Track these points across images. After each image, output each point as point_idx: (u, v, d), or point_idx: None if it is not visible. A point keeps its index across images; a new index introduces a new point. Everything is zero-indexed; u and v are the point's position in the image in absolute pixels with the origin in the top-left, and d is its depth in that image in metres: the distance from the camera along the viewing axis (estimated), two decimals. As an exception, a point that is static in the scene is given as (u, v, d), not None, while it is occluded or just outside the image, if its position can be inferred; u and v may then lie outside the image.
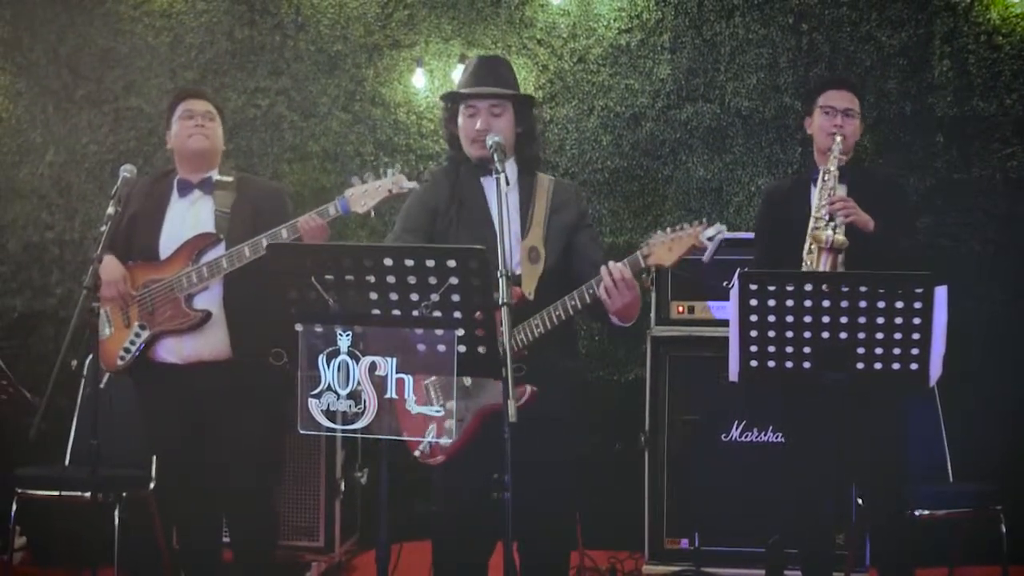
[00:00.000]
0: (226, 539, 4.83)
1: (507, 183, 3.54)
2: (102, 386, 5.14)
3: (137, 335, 4.55)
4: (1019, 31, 5.98)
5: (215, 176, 4.71)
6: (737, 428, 5.39)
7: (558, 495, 3.79)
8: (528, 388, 3.65)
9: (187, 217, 4.64)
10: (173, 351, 4.55)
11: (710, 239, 3.62)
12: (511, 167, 3.96)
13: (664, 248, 3.65)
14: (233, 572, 4.74)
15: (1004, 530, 4.95)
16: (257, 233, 4.45)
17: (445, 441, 3.64)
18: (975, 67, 6.01)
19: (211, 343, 4.53)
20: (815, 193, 4.50)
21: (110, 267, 4.54)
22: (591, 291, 3.67)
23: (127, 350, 4.56)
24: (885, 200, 4.55)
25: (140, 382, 4.70)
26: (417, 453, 3.79)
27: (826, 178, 4.46)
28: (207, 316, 4.50)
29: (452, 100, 4.01)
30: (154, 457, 5.10)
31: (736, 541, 5.34)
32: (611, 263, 3.63)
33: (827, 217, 4.38)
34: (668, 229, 3.69)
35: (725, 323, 4.13)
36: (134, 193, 4.73)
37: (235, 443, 4.50)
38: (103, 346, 4.60)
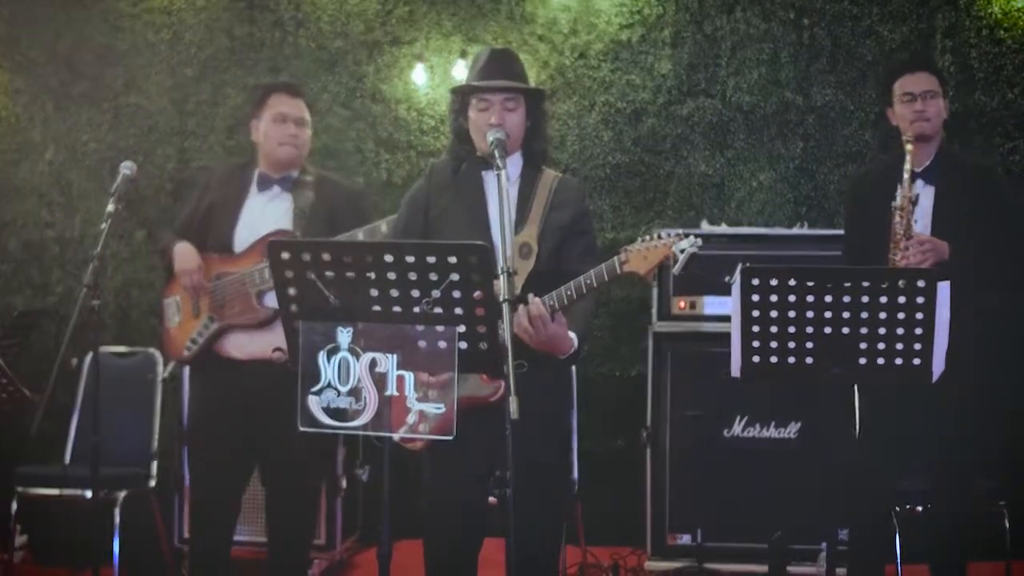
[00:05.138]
0: (242, 537, 4.82)
1: (507, 179, 3.53)
2: (165, 376, 5.16)
3: (206, 326, 4.53)
4: (1021, 25, 5.97)
5: (296, 175, 4.68)
6: (739, 424, 5.38)
7: (542, 493, 3.77)
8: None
9: (265, 212, 4.61)
10: (239, 346, 4.52)
11: (682, 251, 3.61)
12: (516, 161, 3.93)
13: (640, 257, 3.63)
14: (241, 571, 4.74)
15: (1007, 526, 4.94)
16: (332, 234, 4.39)
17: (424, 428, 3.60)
18: (977, 61, 6.00)
19: (277, 342, 4.49)
20: (900, 194, 4.39)
21: (187, 255, 4.54)
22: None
23: (194, 341, 4.54)
24: (978, 203, 4.45)
25: (198, 373, 4.69)
26: (397, 437, 3.77)
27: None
28: (276, 315, 4.44)
29: (464, 93, 3.97)
30: (184, 449, 5.10)
31: (739, 537, 5.32)
32: (533, 299, 3.60)
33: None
34: (648, 237, 3.67)
35: (727, 318, 4.12)
36: (213, 182, 4.74)
37: (288, 443, 4.31)
38: (169, 334, 4.60)
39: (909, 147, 4.39)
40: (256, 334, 4.49)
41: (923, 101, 4.48)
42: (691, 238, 3.63)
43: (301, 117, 4.67)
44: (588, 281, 3.63)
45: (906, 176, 4.35)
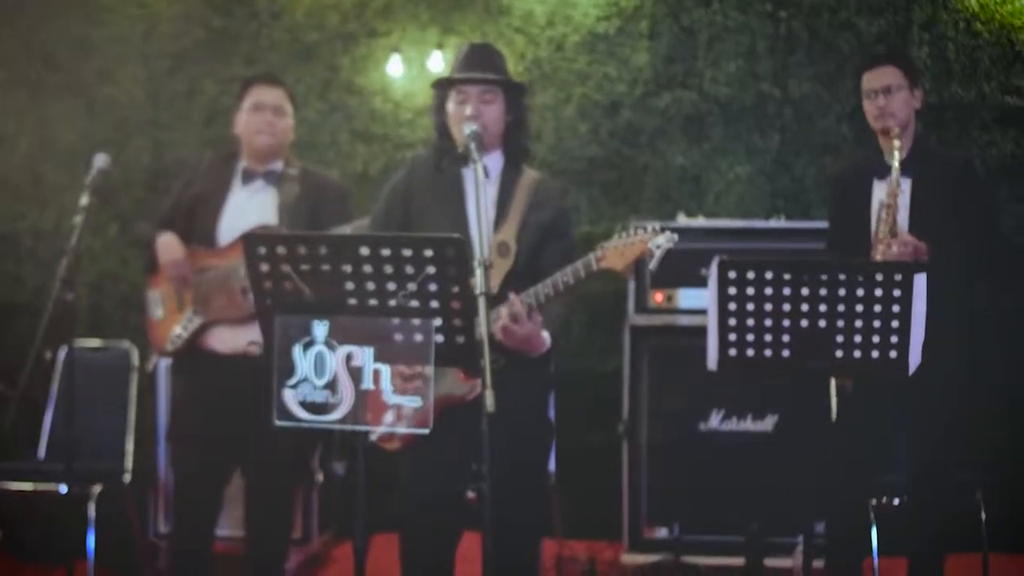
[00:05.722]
0: (222, 532, 4.80)
1: (486, 175, 3.53)
2: (149, 369, 5.15)
3: (190, 320, 4.51)
4: (998, 17, 5.98)
5: (280, 168, 4.65)
6: (716, 417, 5.38)
7: (522, 489, 3.76)
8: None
9: (249, 206, 4.59)
10: (223, 341, 4.50)
11: (658, 247, 3.62)
12: (497, 158, 3.94)
13: (616, 253, 3.64)
14: (220, 566, 4.72)
15: (983, 517, 4.95)
16: (315, 230, 4.37)
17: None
18: (954, 54, 6.00)
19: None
20: (877, 188, 4.40)
21: (172, 246, 4.51)
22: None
23: (179, 335, 4.51)
24: (955, 196, 4.46)
25: (180, 367, 4.67)
26: (374, 437, 3.76)
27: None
28: None
29: (442, 86, 3.97)
30: (160, 443, 5.08)
31: (716, 530, 5.32)
32: (513, 296, 3.61)
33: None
34: (624, 233, 3.67)
35: (704, 311, 4.12)
36: (197, 173, 4.70)
37: (268, 439, 4.14)
38: (153, 327, 4.58)
39: (896, 143, 4.38)
40: (240, 329, 4.47)
41: (885, 97, 4.46)
42: (667, 234, 3.64)
43: (279, 106, 4.65)
44: (564, 278, 3.63)
45: (894, 175, 4.35)
